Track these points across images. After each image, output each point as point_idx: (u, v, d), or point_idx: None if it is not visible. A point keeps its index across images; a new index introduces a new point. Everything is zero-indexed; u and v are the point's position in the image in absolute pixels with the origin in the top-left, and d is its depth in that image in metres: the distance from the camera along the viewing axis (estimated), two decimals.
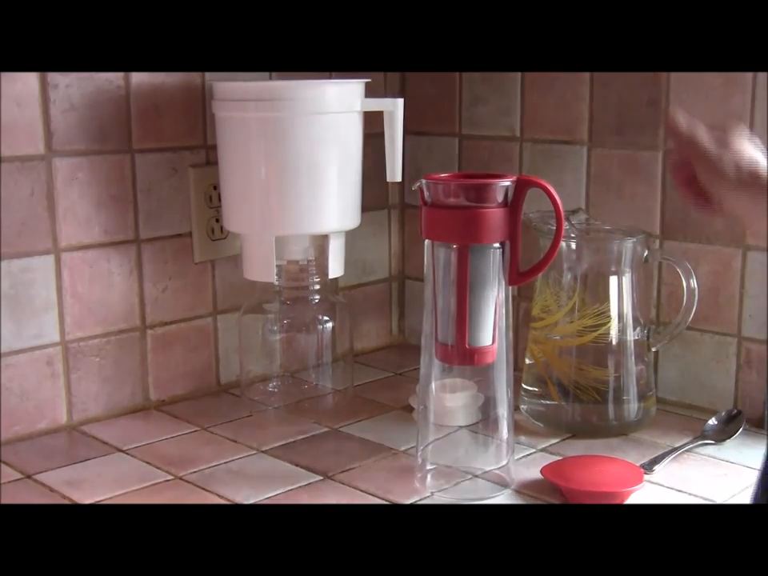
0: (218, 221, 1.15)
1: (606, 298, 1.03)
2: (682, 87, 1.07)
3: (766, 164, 0.71)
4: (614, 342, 1.04)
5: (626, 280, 1.03)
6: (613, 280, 1.03)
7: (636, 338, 1.04)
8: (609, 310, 1.03)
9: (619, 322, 1.03)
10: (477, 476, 0.94)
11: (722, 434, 1.03)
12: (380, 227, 1.35)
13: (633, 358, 1.04)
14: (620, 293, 1.03)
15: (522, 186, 0.87)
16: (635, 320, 1.04)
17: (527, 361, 1.08)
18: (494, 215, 0.85)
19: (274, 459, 0.99)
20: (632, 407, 1.04)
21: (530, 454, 1.00)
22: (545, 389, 1.06)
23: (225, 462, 0.98)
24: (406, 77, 1.31)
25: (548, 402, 1.06)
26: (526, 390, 1.08)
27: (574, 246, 1.03)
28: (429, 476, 0.94)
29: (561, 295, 1.04)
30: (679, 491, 0.91)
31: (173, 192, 1.12)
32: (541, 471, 0.92)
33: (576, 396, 1.04)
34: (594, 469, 0.92)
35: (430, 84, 1.29)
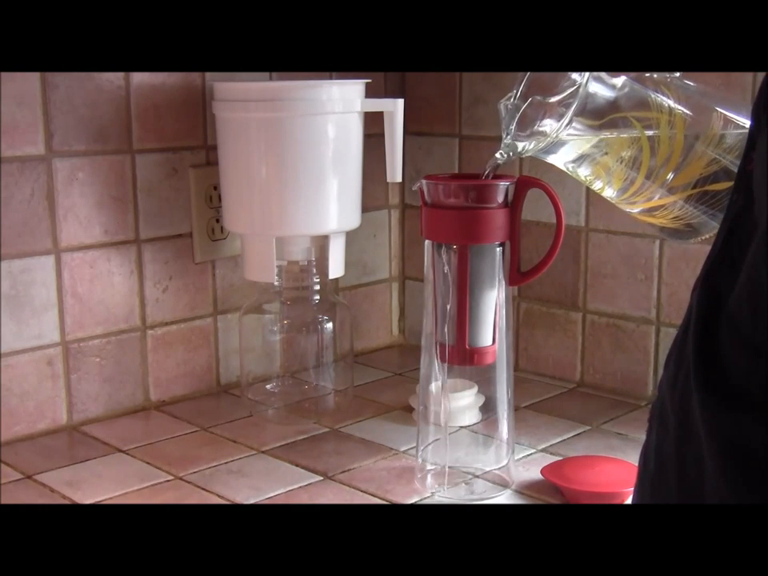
0: (218, 221, 1.15)
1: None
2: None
3: None
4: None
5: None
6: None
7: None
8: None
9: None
10: (477, 476, 0.94)
11: None
12: (380, 227, 1.35)
13: None
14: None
15: (522, 187, 0.87)
16: None
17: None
18: (494, 215, 0.85)
19: (273, 459, 1.00)
20: None
21: (530, 454, 1.00)
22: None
23: (225, 463, 0.98)
24: (406, 77, 1.31)
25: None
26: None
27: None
28: (429, 476, 0.94)
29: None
30: None
31: (173, 192, 1.12)
32: (541, 471, 0.92)
33: None
34: (594, 469, 0.92)
35: (430, 84, 1.29)
